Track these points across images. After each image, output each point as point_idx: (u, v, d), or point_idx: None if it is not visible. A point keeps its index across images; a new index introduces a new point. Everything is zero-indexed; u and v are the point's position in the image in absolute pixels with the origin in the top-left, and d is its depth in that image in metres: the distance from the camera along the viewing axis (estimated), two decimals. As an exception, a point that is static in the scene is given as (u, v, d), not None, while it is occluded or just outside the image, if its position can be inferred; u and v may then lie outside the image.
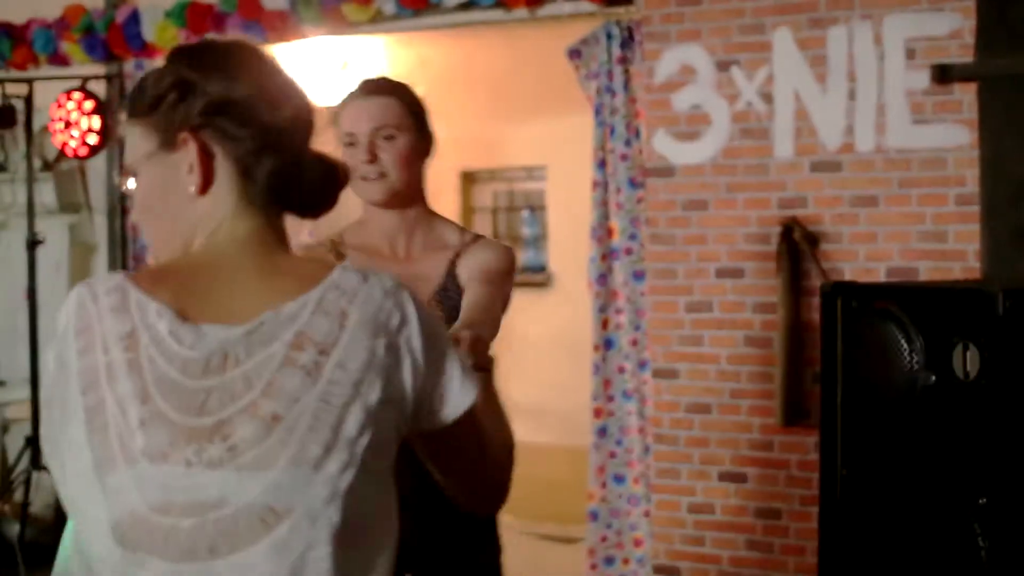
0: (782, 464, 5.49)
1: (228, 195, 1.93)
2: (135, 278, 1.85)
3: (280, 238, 1.96)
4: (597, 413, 6.03)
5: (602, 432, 6.00)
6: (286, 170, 1.95)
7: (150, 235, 2.04)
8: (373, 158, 3.19)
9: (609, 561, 5.92)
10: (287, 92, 1.97)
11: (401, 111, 3.26)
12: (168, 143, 1.94)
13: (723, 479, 5.62)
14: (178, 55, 2.02)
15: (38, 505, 7.38)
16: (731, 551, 5.60)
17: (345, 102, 3.29)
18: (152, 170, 1.98)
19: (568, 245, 8.50)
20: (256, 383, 1.79)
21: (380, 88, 3.30)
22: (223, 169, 1.93)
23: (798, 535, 5.43)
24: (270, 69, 1.98)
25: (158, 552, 1.75)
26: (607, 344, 6.01)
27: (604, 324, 6.01)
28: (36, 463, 7.06)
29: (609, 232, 6.01)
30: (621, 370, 5.96)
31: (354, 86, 3.32)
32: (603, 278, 6.01)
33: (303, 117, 1.99)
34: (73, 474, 1.80)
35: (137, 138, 2.00)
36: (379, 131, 3.20)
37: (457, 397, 1.95)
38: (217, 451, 1.76)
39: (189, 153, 1.92)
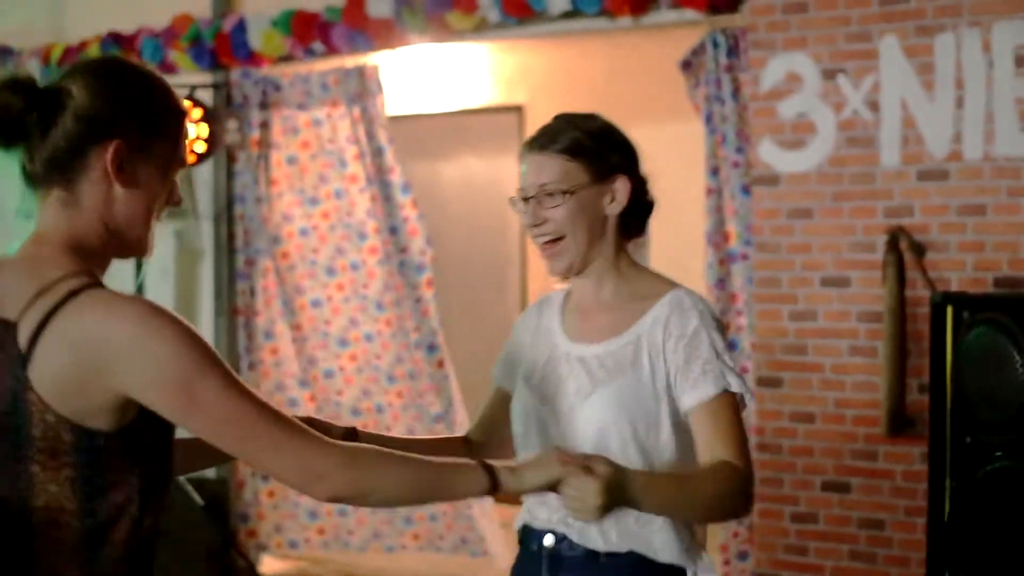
0: (887, 474, 5.45)
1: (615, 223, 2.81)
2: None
3: None
4: None
5: None
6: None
7: None
8: None
9: (743, 556, 5.88)
10: None
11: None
12: None
13: (827, 489, 5.59)
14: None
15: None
16: (834, 561, 5.56)
17: None
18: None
19: (670, 251, 8.46)
20: None
21: None
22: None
23: (902, 546, 5.39)
24: None
25: None
26: (729, 347, 5.98)
27: (726, 328, 5.99)
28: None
29: (725, 237, 6.00)
30: (743, 372, 5.94)
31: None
32: (721, 283, 6.01)
33: None
34: None
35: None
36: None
37: None
38: None
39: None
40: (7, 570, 2.15)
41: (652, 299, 2.74)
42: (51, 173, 2.21)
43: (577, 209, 2.72)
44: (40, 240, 2.20)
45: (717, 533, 6.10)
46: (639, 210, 2.81)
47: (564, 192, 2.72)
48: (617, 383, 2.68)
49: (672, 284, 2.78)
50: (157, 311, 2.16)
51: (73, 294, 2.11)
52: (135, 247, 2.33)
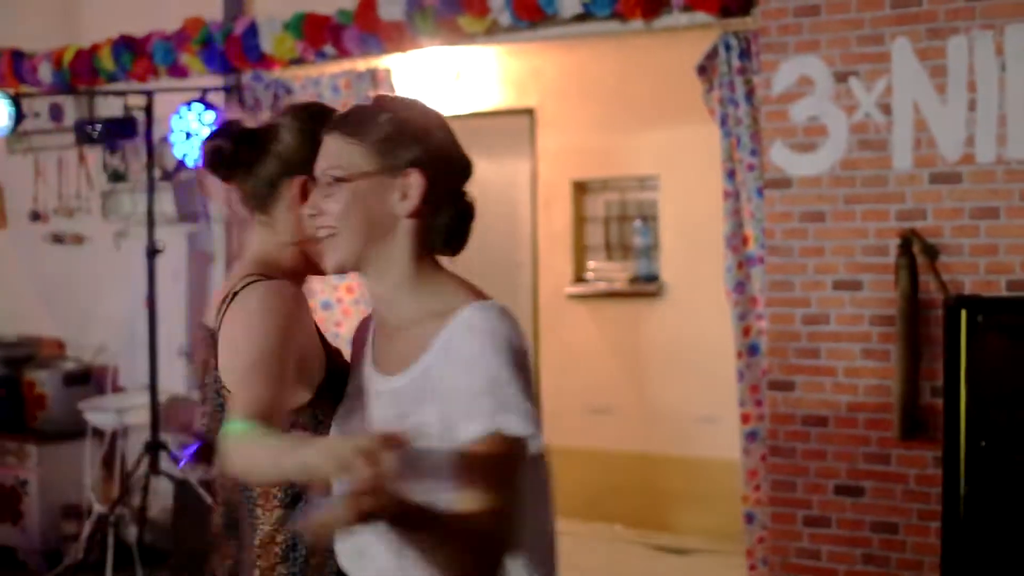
0: (900, 478, 5.44)
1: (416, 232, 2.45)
2: None
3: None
4: (745, 419, 6.00)
5: (751, 437, 5.97)
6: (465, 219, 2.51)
7: None
8: None
9: (767, 561, 5.88)
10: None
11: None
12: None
13: (839, 492, 5.59)
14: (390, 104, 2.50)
15: (155, 509, 7.50)
16: (847, 565, 5.56)
17: None
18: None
19: (680, 255, 8.47)
20: None
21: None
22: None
23: (915, 550, 5.39)
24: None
25: None
26: (751, 350, 5.99)
27: (746, 331, 5.99)
28: (154, 468, 7.17)
29: (744, 241, 5.99)
30: (766, 374, 5.93)
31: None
32: (741, 286, 6.00)
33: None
34: None
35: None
36: None
37: None
38: None
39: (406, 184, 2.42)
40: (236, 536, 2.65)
41: (446, 317, 2.37)
42: (254, 201, 2.68)
43: (353, 201, 2.40)
44: (243, 257, 2.65)
45: (742, 539, 6.11)
46: (455, 220, 2.48)
47: (340, 180, 2.40)
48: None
49: (473, 297, 2.42)
50: (255, 297, 2.55)
51: (243, 288, 2.56)
52: (318, 266, 2.63)
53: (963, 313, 4.52)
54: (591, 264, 9.00)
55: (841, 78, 5.57)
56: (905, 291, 5.31)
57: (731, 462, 6.45)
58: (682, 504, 8.19)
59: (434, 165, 2.41)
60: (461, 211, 2.47)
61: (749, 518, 5.99)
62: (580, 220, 9.11)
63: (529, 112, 8.97)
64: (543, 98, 8.91)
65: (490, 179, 9.09)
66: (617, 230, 9.02)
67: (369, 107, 2.46)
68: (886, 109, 5.47)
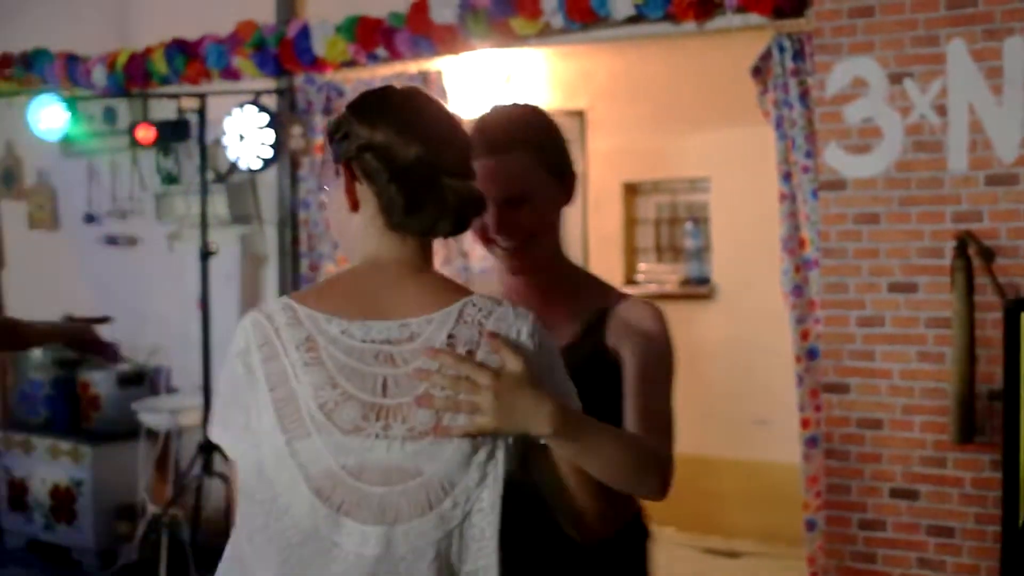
0: (956, 481, 5.41)
1: (374, 219, 2.32)
2: (299, 298, 2.27)
3: (424, 259, 2.34)
4: (805, 424, 5.96)
5: (811, 442, 5.92)
6: (416, 201, 2.29)
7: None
8: None
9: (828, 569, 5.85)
10: (426, 134, 2.30)
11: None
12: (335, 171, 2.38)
13: (894, 496, 5.56)
14: (349, 104, 2.39)
15: (209, 510, 7.55)
16: (903, 569, 5.53)
17: None
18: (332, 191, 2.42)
19: (732, 257, 8.46)
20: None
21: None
22: (366, 197, 2.33)
23: (972, 554, 5.35)
24: (413, 115, 2.33)
25: (352, 514, 2.17)
26: (809, 354, 5.94)
27: (804, 335, 5.95)
28: (208, 469, 7.22)
29: (801, 243, 5.96)
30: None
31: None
32: (798, 289, 5.96)
33: (441, 153, 2.30)
34: (268, 452, 2.20)
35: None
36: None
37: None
38: (399, 430, 2.18)
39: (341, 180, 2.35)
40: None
41: None
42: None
43: None
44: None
45: (795, 542, 6.08)
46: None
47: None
48: None
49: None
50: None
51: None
52: None
53: (1022, 315, 4.49)
54: (642, 266, 9.00)
55: (896, 79, 5.54)
56: (961, 293, 5.28)
57: (785, 465, 6.43)
58: (736, 507, 8.17)
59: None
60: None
61: (810, 525, 5.92)
62: (631, 222, 9.11)
63: (579, 114, 8.96)
64: (593, 100, 8.91)
65: (541, 181, 9.08)
66: (668, 232, 9.02)
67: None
68: (941, 110, 5.44)
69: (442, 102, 2.39)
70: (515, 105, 2.83)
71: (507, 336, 2.26)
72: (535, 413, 2.22)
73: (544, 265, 2.78)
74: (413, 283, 2.30)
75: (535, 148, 2.72)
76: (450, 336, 2.23)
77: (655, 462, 2.47)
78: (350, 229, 2.35)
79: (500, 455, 2.23)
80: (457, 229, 2.33)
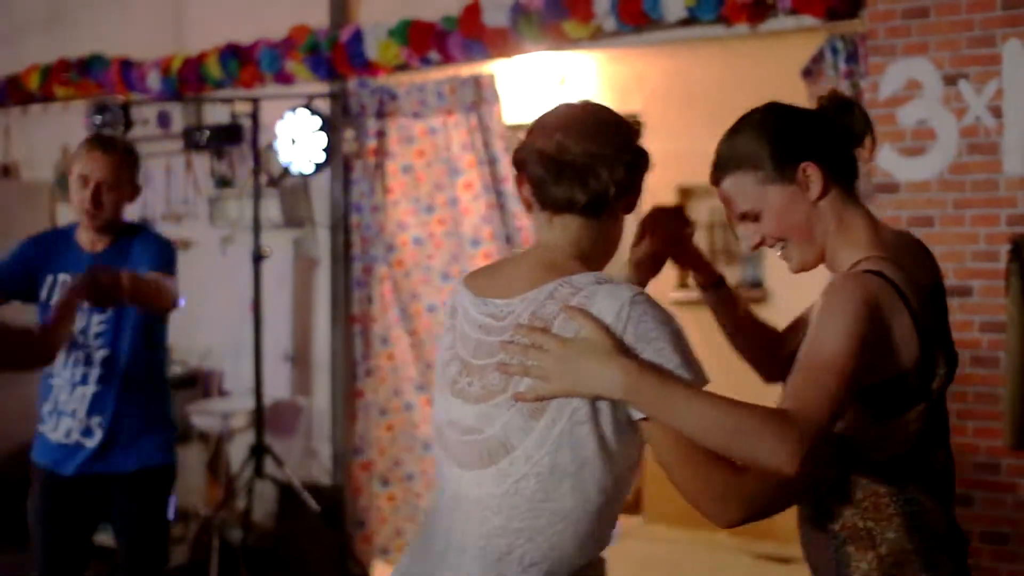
0: (1009, 488, 5.35)
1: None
2: (468, 276, 2.73)
3: (570, 242, 2.61)
4: None
5: None
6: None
7: None
8: None
9: None
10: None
11: None
12: None
13: (948, 502, 5.50)
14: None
15: (259, 513, 7.57)
16: (956, 575, 5.46)
17: None
18: None
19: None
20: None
21: None
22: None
23: (1027, 561, 5.30)
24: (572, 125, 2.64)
25: (449, 454, 2.60)
26: None
27: None
28: (259, 472, 7.23)
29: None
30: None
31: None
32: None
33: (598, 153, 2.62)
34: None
35: None
36: None
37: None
38: (475, 389, 2.54)
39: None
40: None
41: None
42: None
43: None
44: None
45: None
46: None
47: None
48: None
49: None
50: None
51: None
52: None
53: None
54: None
55: (950, 81, 5.48)
56: (1016, 298, 5.22)
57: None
58: (789, 512, 8.11)
59: None
60: None
61: None
62: (685, 225, 9.06)
63: (633, 117, 8.92)
64: (647, 103, 8.87)
65: (594, 185, 9.06)
66: (722, 235, 8.97)
67: None
68: (996, 112, 5.38)
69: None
70: None
71: (586, 309, 2.44)
72: (602, 376, 2.37)
73: None
74: (528, 265, 2.61)
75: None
76: (533, 313, 2.50)
77: (771, 428, 2.38)
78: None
79: (563, 425, 2.43)
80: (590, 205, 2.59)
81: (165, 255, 4.93)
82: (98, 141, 4.90)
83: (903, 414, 2.66)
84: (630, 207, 2.68)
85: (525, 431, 2.45)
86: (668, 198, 8.95)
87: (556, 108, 2.69)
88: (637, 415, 2.43)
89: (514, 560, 2.48)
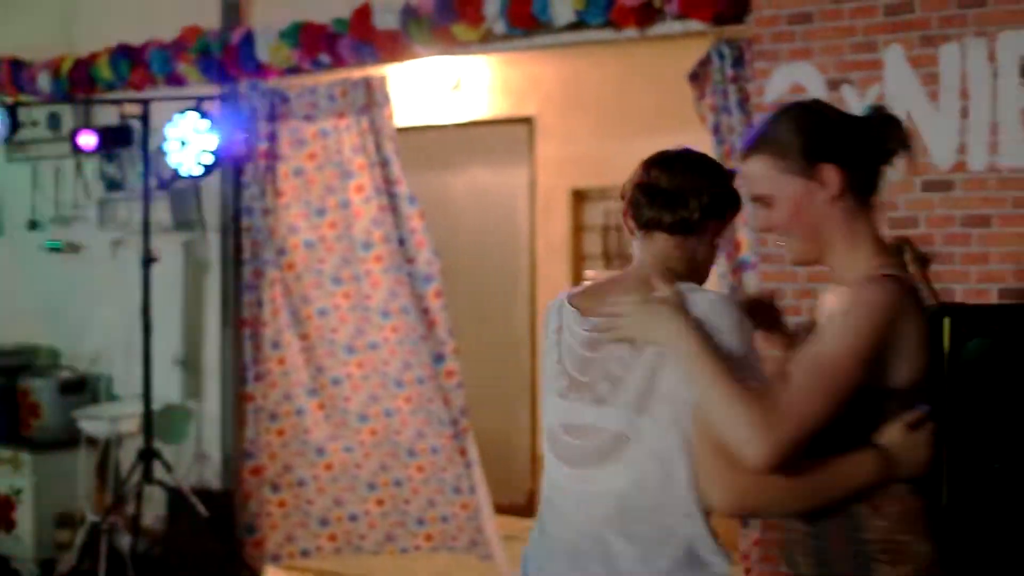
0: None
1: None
2: (572, 294, 3.04)
3: (661, 258, 2.95)
4: None
5: None
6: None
7: None
8: None
9: None
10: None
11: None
12: None
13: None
14: None
15: (149, 518, 7.51)
16: None
17: None
18: None
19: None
20: (609, 360, 2.85)
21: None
22: None
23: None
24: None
25: (563, 458, 2.94)
26: None
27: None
28: (148, 477, 7.17)
29: (737, 247, 5.96)
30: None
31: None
32: (734, 291, 5.97)
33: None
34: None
35: None
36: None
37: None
38: (590, 396, 2.87)
39: None
40: None
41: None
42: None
43: None
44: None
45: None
46: None
47: None
48: None
49: None
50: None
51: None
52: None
53: (945, 322, 4.48)
54: (589, 273, 8.97)
55: (834, 85, 5.54)
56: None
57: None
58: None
59: None
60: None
61: None
62: (578, 228, 9.10)
63: (527, 120, 8.96)
64: (541, 107, 8.90)
65: (489, 187, 9.08)
66: (616, 239, 9.01)
67: None
68: (879, 117, 5.43)
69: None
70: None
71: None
72: (658, 325, 2.74)
73: None
74: (626, 281, 2.95)
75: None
76: None
77: (753, 420, 2.63)
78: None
79: (648, 420, 2.78)
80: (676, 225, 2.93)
81: None
82: None
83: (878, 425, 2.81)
84: (717, 232, 2.99)
85: (631, 425, 2.80)
86: (562, 201, 8.99)
87: (660, 151, 3.05)
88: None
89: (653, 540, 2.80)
